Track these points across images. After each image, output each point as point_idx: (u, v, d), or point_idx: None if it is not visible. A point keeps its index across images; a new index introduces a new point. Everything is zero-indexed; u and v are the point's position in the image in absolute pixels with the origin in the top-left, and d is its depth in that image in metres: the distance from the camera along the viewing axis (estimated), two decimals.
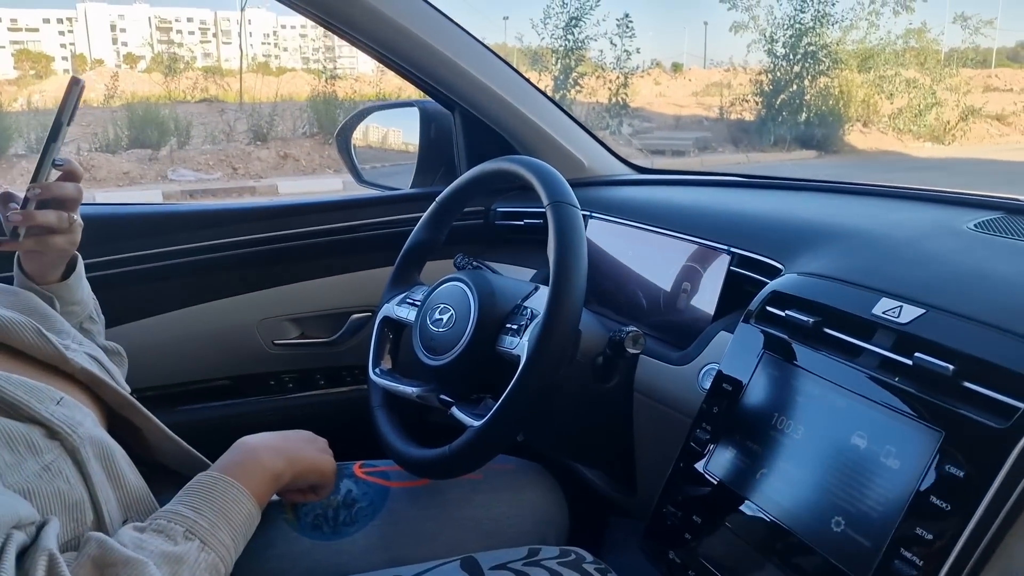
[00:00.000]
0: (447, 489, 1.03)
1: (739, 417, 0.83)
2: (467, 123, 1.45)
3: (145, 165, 9.68)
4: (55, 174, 0.84)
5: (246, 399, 1.42)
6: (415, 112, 1.54)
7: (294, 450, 0.86)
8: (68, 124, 0.82)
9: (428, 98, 1.49)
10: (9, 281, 0.90)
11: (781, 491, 0.75)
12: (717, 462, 0.83)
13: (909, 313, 0.74)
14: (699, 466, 0.85)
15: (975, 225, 0.91)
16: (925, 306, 0.73)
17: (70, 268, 0.93)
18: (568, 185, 0.94)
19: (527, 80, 1.44)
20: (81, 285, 0.96)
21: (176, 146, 10.35)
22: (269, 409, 1.42)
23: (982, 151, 11.61)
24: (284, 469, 0.83)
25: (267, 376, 1.44)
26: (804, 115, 12.24)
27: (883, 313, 0.76)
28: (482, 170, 1.07)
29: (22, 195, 0.85)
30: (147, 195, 8.51)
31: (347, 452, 0.98)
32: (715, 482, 0.82)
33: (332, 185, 9.15)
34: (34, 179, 0.82)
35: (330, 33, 1.30)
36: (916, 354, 0.69)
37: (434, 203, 1.13)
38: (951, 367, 0.67)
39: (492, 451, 0.92)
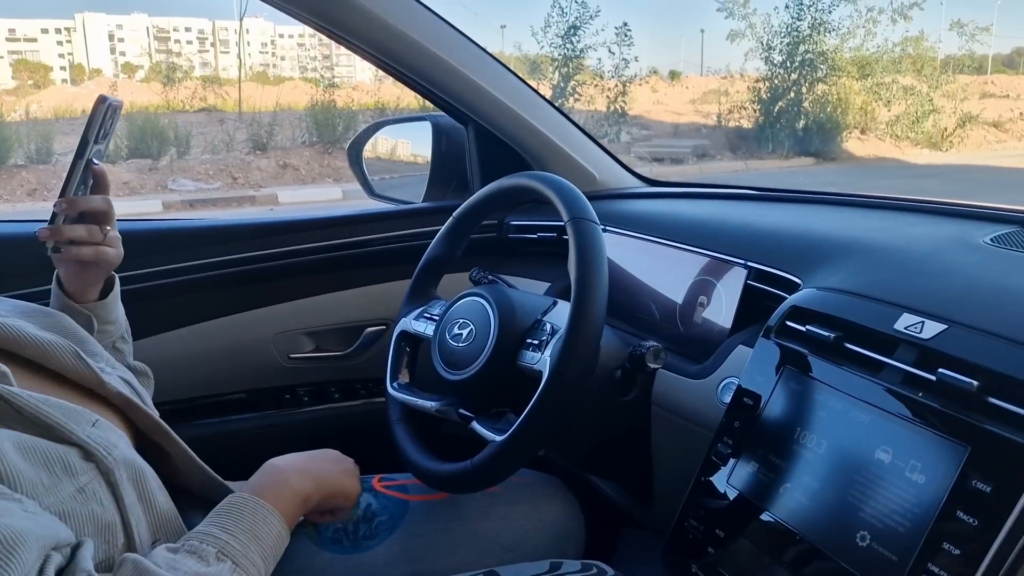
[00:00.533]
0: (465, 503, 1.04)
1: (760, 431, 0.84)
2: (480, 137, 1.46)
3: (145, 175, 9.69)
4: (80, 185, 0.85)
5: (261, 413, 1.42)
6: (427, 126, 1.55)
7: (323, 472, 0.86)
8: (96, 142, 0.82)
9: (439, 112, 1.50)
10: (43, 297, 0.91)
11: (805, 505, 0.76)
12: (739, 476, 0.84)
13: (931, 328, 0.75)
14: (721, 480, 0.85)
15: (991, 239, 0.92)
16: (947, 321, 0.74)
17: (107, 288, 0.94)
18: (587, 201, 0.95)
19: (538, 93, 1.45)
20: (117, 305, 0.97)
21: (176, 156, 10.36)
22: (284, 423, 1.43)
23: (980, 158, 11.66)
24: (312, 491, 0.83)
25: (282, 390, 1.45)
26: (802, 122, 12.29)
27: (905, 328, 0.76)
28: (500, 185, 1.08)
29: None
30: (147, 205, 8.52)
31: (362, 465, 0.99)
32: (737, 496, 0.83)
33: (332, 194, 9.16)
34: (62, 194, 0.82)
35: (329, 43, 1.31)
36: (940, 370, 0.70)
37: (451, 218, 1.14)
38: (975, 383, 0.67)
39: (515, 465, 0.92)
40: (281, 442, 0.89)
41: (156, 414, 0.83)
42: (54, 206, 0.82)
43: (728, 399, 0.92)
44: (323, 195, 9.17)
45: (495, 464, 0.91)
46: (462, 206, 1.13)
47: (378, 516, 1.00)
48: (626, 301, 1.20)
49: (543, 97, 1.45)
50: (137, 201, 8.71)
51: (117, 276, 0.96)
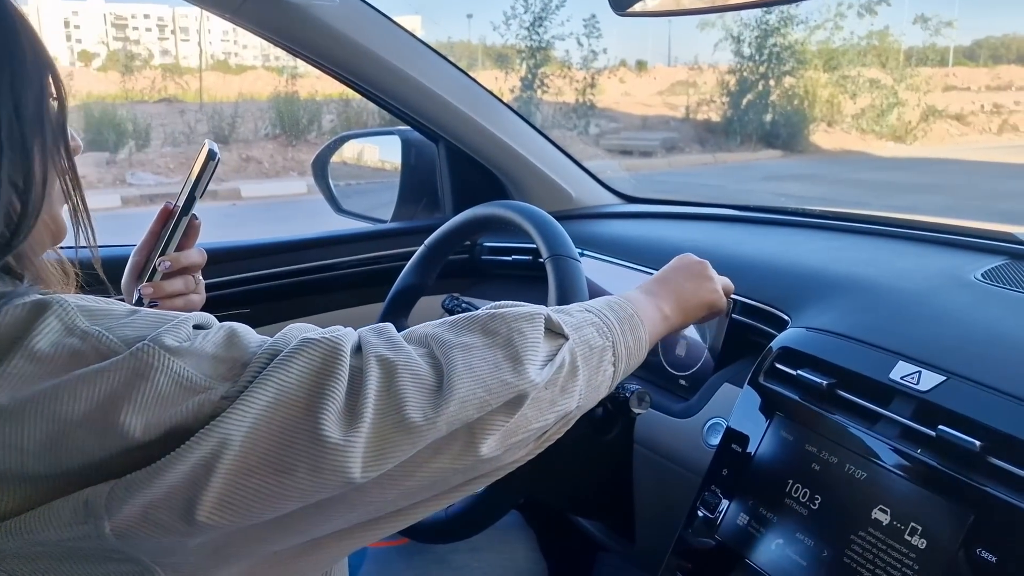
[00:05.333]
0: (427, 549, 1.02)
1: (750, 481, 0.80)
2: (451, 155, 1.40)
3: (102, 168, 9.43)
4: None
5: None
6: (396, 140, 1.49)
7: (691, 307, 0.82)
8: (200, 198, 0.79)
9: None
10: None
11: (799, 564, 0.73)
12: (728, 528, 0.80)
13: (929, 380, 0.72)
14: (710, 531, 0.82)
15: (983, 275, 0.90)
16: (945, 372, 0.71)
17: None
18: (567, 236, 0.90)
19: (512, 109, 1.40)
20: None
21: (134, 148, 10.11)
22: None
23: (943, 151, 11.80)
24: (681, 323, 0.81)
25: None
26: (770, 115, 12.33)
27: (901, 378, 0.73)
28: (474, 215, 1.03)
29: None
30: (105, 200, 8.29)
31: None
32: (727, 550, 0.79)
33: (296, 188, 9.00)
34: (163, 252, 0.79)
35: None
36: (939, 426, 0.67)
37: (423, 246, 1.09)
38: (977, 442, 0.64)
39: (494, 515, 0.88)
40: None
41: None
42: (157, 264, 0.79)
43: (714, 441, 0.89)
44: (286, 189, 9.01)
45: (472, 515, 0.87)
46: (434, 235, 1.08)
47: None
48: None
49: (517, 112, 1.40)
50: (95, 196, 8.46)
51: None
